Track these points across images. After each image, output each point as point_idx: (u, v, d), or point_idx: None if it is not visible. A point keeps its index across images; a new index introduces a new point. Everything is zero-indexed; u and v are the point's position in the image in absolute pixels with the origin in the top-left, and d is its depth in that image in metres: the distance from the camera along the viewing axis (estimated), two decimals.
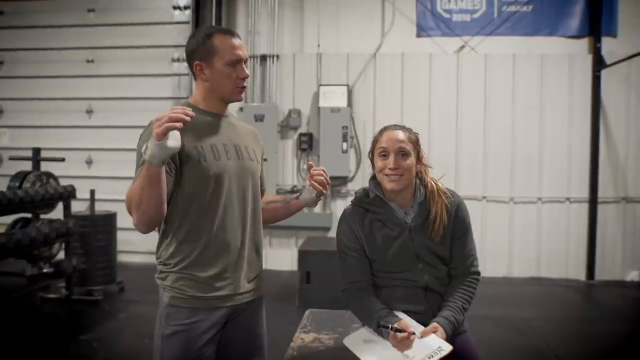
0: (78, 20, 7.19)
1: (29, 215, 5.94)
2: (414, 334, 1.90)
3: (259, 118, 6.86)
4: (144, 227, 1.80)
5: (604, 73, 6.52)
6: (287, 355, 2.22)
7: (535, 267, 6.68)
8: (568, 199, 6.67)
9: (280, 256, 6.97)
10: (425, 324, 1.99)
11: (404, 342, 1.88)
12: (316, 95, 6.89)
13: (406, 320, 1.96)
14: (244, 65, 1.94)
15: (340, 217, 2.18)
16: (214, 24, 6.93)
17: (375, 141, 2.10)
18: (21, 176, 5.89)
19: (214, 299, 1.92)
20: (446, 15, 6.86)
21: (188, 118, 1.63)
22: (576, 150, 6.66)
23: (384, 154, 2.03)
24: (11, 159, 6.20)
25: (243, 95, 2.02)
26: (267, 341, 2.18)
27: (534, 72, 6.66)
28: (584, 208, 6.65)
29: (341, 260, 2.16)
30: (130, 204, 1.76)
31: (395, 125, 2.10)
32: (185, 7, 7.08)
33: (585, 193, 6.63)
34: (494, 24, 6.75)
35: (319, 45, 6.93)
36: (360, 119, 6.88)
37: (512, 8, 6.75)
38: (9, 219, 5.94)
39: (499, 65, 6.70)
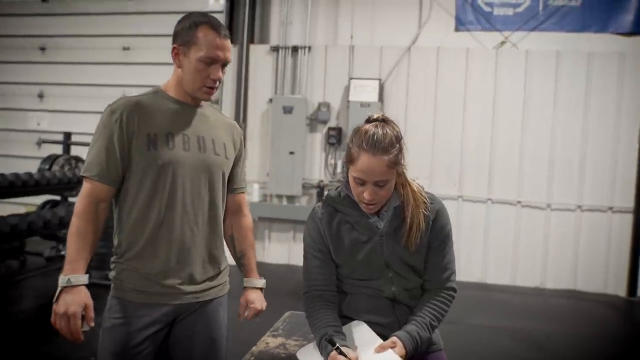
0: (117, 8, 7.31)
1: (58, 197, 6.12)
2: None
3: (287, 110, 6.76)
4: None
5: None
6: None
7: (571, 279, 6.27)
8: (611, 208, 6.21)
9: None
10: (387, 338, 1.81)
11: None
12: (347, 89, 6.71)
13: (354, 354, 1.73)
14: (220, 67, 1.83)
15: (309, 216, 1.99)
16: (247, 13, 6.89)
17: (350, 154, 1.76)
18: (51, 159, 6.08)
19: (156, 294, 1.83)
20: (487, 9, 6.52)
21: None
22: (622, 156, 6.18)
23: (360, 182, 1.75)
24: (43, 142, 6.38)
25: (212, 95, 1.90)
26: (226, 346, 2.06)
27: (579, 71, 6.22)
28: (628, 219, 6.16)
29: (305, 261, 1.98)
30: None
31: (374, 145, 1.71)
32: None
33: (630, 202, 6.14)
34: (537, 18, 6.36)
35: (352, 37, 6.75)
36: (392, 114, 6.52)
37: (559, 2, 6.33)
38: (40, 200, 6.17)
39: (541, 63, 6.30)
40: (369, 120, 1.83)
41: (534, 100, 6.33)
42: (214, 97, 6.75)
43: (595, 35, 6.26)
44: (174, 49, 1.83)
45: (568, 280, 6.27)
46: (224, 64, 1.84)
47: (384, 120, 1.82)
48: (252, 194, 6.97)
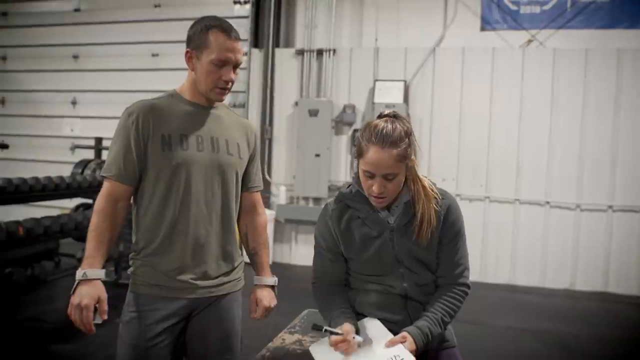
0: (145, 16, 7.50)
1: (91, 201, 6.29)
2: (355, 338, 1.77)
3: (313, 113, 6.81)
4: None
5: None
6: (258, 355, 2.12)
7: (603, 281, 6.12)
8: None
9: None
10: None
11: (339, 346, 1.75)
12: (372, 91, 6.72)
13: (348, 327, 1.80)
14: (231, 69, 1.89)
15: (320, 212, 2.03)
16: (272, 18, 6.97)
17: (360, 148, 1.79)
18: (83, 163, 6.25)
19: (171, 289, 1.90)
20: (513, 7, 6.44)
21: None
22: None
23: (369, 175, 1.78)
24: (76, 147, 6.58)
25: (225, 96, 1.96)
26: (242, 341, 2.11)
27: (609, 69, 6.08)
28: None
29: (315, 256, 2.05)
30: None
31: (383, 139, 1.73)
32: (246, 2, 7.17)
33: None
34: (565, 16, 6.25)
35: (376, 40, 6.76)
36: (417, 116, 6.62)
37: None
38: (75, 204, 6.35)
39: (570, 61, 6.18)
40: (380, 116, 1.85)
41: (562, 99, 6.22)
42: (238, 101, 6.77)
43: (626, 31, 6.12)
44: (187, 52, 1.89)
45: (599, 282, 6.13)
46: (235, 65, 1.89)
47: (395, 116, 1.84)
48: (278, 196, 7.05)
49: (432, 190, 1.89)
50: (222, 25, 1.87)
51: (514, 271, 6.34)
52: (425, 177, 1.93)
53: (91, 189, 5.33)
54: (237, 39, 1.89)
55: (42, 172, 5.35)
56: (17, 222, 4.20)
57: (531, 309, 5.42)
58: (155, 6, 7.48)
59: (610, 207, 6.11)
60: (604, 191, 6.13)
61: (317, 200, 6.99)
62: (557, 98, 6.24)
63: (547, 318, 5.09)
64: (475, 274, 6.23)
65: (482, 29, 6.57)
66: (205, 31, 1.85)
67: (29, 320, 4.41)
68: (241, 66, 6.68)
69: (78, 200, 6.23)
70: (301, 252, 6.99)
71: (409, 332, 1.78)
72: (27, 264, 4.63)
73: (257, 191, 2.16)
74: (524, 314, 5.22)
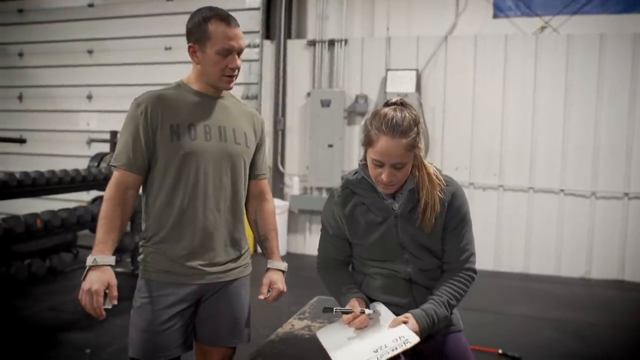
0: (158, 9, 7.51)
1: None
2: (364, 312, 1.82)
3: (325, 104, 6.82)
4: None
5: None
6: (267, 339, 2.16)
7: (619, 269, 6.06)
8: None
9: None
10: None
11: (354, 323, 1.81)
12: (384, 80, 6.70)
13: (356, 302, 1.87)
14: (236, 56, 1.91)
15: (327, 198, 2.09)
16: (284, 9, 6.97)
17: (369, 137, 1.80)
18: (99, 157, 6.32)
19: (181, 275, 1.94)
20: None
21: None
22: None
23: (378, 164, 1.80)
24: (92, 141, 6.66)
25: (233, 84, 1.99)
26: (251, 326, 2.15)
27: (624, 54, 5.98)
28: None
29: (320, 240, 2.13)
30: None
31: (393, 128, 1.74)
32: None
33: None
34: (580, 1, 6.15)
35: (388, 29, 6.73)
36: (429, 104, 6.60)
37: None
38: (90, 197, 6.44)
39: (584, 47, 6.09)
40: (387, 104, 1.87)
41: (576, 86, 6.14)
42: (251, 92, 6.77)
43: None
44: (190, 47, 1.92)
45: (615, 271, 6.07)
46: (239, 52, 1.91)
47: (402, 104, 1.85)
48: (292, 187, 7.09)
49: (437, 177, 1.90)
50: (219, 15, 1.89)
51: (529, 260, 6.31)
52: (431, 163, 1.95)
53: (107, 182, 5.31)
54: (237, 25, 1.92)
55: (59, 165, 5.43)
56: (35, 214, 4.28)
57: (546, 297, 5.39)
58: (168, 0, 7.52)
59: (626, 194, 6.04)
60: (619, 178, 6.06)
61: (330, 190, 6.99)
62: (571, 85, 6.16)
63: (563, 306, 5.06)
64: (489, 263, 6.24)
65: (495, 16, 6.50)
66: (204, 23, 1.88)
67: (48, 310, 4.51)
68: (253, 58, 6.70)
69: (95, 193, 6.32)
70: (315, 243, 6.91)
71: (412, 314, 1.81)
72: (45, 256, 4.73)
73: (264, 178, 2.20)
74: (539, 302, 5.20)
